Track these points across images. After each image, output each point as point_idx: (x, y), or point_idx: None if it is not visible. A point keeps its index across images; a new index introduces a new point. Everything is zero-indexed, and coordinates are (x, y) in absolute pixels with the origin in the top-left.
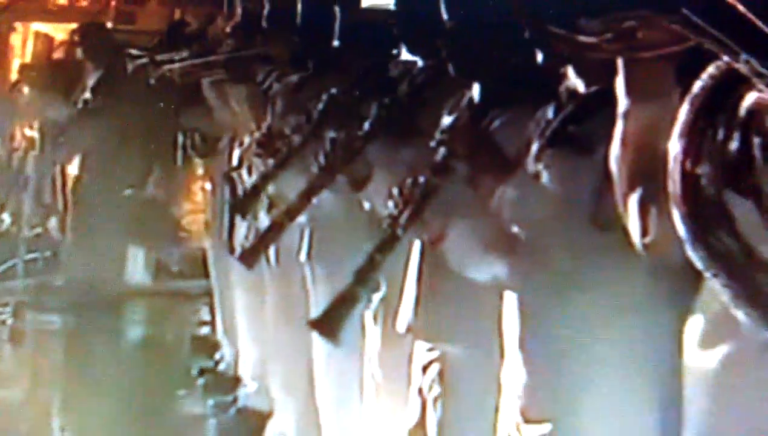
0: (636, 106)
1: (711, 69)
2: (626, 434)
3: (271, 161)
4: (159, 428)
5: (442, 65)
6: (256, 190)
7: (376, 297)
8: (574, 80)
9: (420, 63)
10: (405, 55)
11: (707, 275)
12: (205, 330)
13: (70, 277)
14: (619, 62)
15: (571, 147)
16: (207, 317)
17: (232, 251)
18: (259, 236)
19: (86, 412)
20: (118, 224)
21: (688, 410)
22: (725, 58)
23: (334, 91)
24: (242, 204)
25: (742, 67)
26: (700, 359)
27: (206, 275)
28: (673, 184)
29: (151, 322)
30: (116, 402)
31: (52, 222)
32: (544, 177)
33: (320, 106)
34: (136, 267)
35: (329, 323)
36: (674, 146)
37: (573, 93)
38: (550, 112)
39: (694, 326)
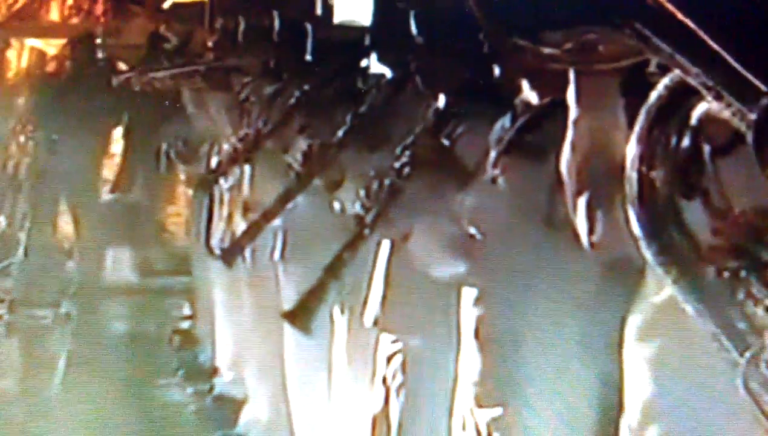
0: (585, 115)
1: (666, 81)
2: (570, 417)
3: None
4: (142, 414)
5: (411, 78)
6: (221, 167)
7: (345, 293)
8: (529, 93)
9: (389, 75)
10: (374, 69)
11: (658, 269)
12: (186, 324)
13: (61, 274)
14: (571, 75)
15: (526, 154)
16: (188, 312)
17: (210, 251)
18: (238, 236)
19: (76, 399)
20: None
21: (629, 395)
22: (677, 71)
23: (306, 100)
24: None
25: (692, 81)
26: (642, 347)
27: (187, 273)
28: (630, 186)
29: (136, 316)
30: (103, 390)
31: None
32: (501, 182)
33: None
34: (123, 265)
35: (301, 315)
36: (631, 151)
37: (527, 105)
38: (506, 122)
39: (636, 317)
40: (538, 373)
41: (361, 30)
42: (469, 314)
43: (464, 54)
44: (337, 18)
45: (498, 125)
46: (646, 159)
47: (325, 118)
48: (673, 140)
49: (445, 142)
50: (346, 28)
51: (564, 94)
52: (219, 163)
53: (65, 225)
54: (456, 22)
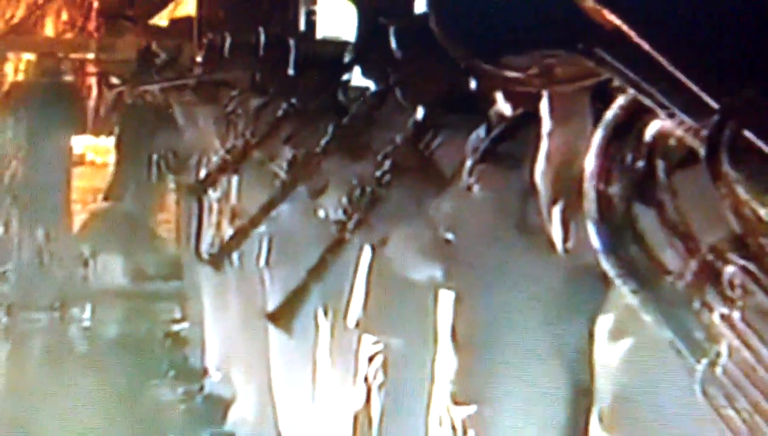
0: (558, 128)
1: (621, 100)
2: (542, 414)
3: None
4: (135, 413)
5: (391, 91)
6: (210, 178)
7: (329, 296)
8: (503, 105)
9: (372, 88)
10: (356, 82)
11: (617, 281)
12: (176, 327)
13: (56, 280)
14: (543, 91)
15: (499, 163)
16: (178, 315)
17: (199, 256)
18: (226, 240)
19: (70, 398)
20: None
21: (598, 394)
22: (632, 91)
23: (289, 112)
24: (198, 187)
25: (647, 100)
26: (609, 349)
27: (178, 278)
28: (588, 201)
29: (129, 319)
30: (97, 390)
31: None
32: (476, 189)
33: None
34: (115, 270)
35: (284, 316)
36: (589, 168)
37: (501, 116)
38: (481, 133)
39: (605, 320)
40: (511, 372)
41: (343, 45)
42: (445, 315)
43: (441, 68)
44: (320, 33)
45: (473, 136)
46: (603, 175)
47: (310, 129)
48: (629, 157)
49: (424, 151)
50: (329, 43)
51: (536, 106)
52: (208, 174)
53: (60, 232)
54: (434, 38)
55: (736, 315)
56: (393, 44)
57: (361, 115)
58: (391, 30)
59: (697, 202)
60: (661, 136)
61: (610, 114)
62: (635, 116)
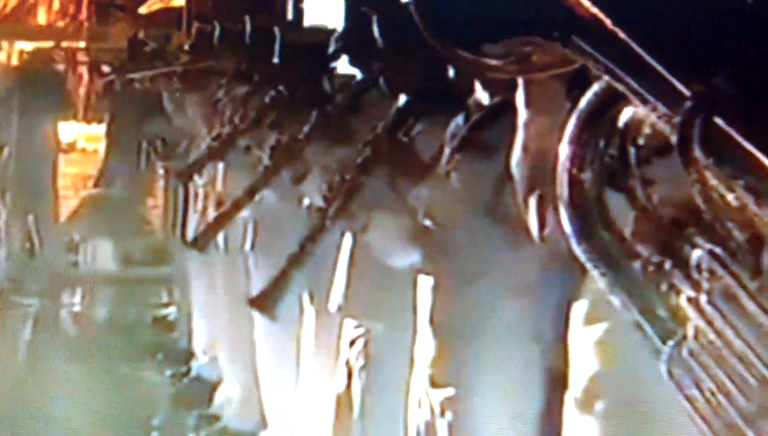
0: (534, 117)
1: (595, 87)
2: (518, 397)
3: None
4: (124, 394)
5: (374, 80)
6: (197, 163)
7: (314, 282)
8: (481, 94)
9: (356, 76)
10: (341, 70)
11: (588, 265)
12: (164, 311)
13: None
14: (519, 80)
15: (477, 151)
16: (166, 300)
17: (184, 240)
18: (211, 222)
19: (61, 380)
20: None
21: (573, 375)
22: (606, 78)
23: (275, 99)
24: (186, 172)
25: (621, 87)
26: (586, 330)
27: (166, 263)
28: (561, 187)
29: (118, 304)
30: (87, 372)
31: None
32: (453, 177)
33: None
34: (105, 256)
35: (266, 302)
36: (562, 154)
37: (480, 104)
38: (460, 121)
39: (581, 302)
40: (488, 356)
41: (328, 34)
42: (424, 300)
43: (422, 57)
44: (307, 22)
45: (453, 124)
46: (576, 161)
47: (295, 116)
48: (602, 144)
49: (404, 139)
50: (314, 32)
51: (513, 94)
52: (195, 160)
53: (51, 218)
54: (415, 28)
55: (702, 298)
56: (376, 33)
57: (344, 104)
58: (374, 19)
59: (666, 188)
60: (634, 123)
61: (584, 101)
62: (609, 103)
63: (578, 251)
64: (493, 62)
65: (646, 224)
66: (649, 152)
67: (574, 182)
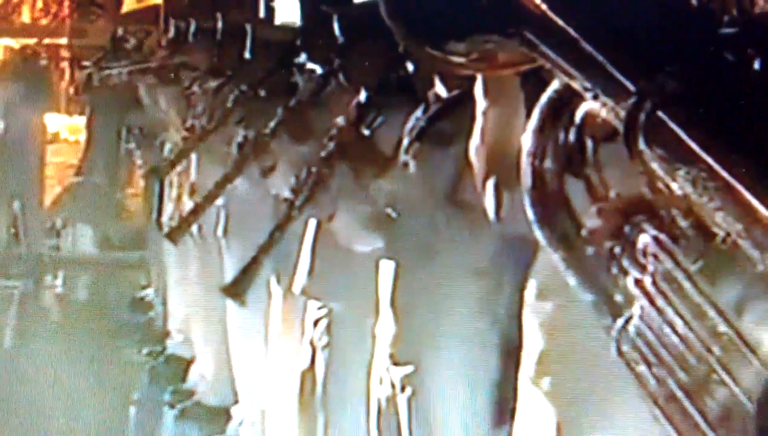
0: (492, 107)
1: (555, 84)
2: (474, 372)
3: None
4: (103, 372)
5: (335, 74)
6: (172, 164)
7: (280, 265)
8: (439, 87)
9: (318, 71)
10: (307, 65)
11: (548, 248)
12: (142, 293)
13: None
14: (477, 73)
15: (434, 141)
16: (144, 282)
17: (160, 228)
18: (184, 216)
19: (42, 360)
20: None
21: (527, 350)
22: (558, 73)
23: (244, 94)
24: (161, 170)
25: (574, 83)
26: (538, 307)
27: (143, 247)
28: (524, 177)
29: (98, 286)
30: (68, 351)
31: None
32: (412, 166)
33: (232, 105)
34: (86, 240)
35: (237, 289)
36: (525, 146)
37: (438, 97)
38: (419, 113)
39: (534, 281)
40: (446, 335)
41: (296, 30)
42: (385, 283)
43: (382, 53)
44: (278, 20)
45: (412, 117)
46: (538, 153)
47: (262, 111)
48: (561, 136)
49: (366, 132)
50: (283, 29)
51: (470, 87)
52: (169, 160)
53: (35, 205)
54: (374, 25)
55: (647, 280)
56: (336, 30)
57: (305, 98)
58: (334, 17)
59: (618, 177)
60: (589, 117)
61: (545, 97)
62: (569, 98)
63: (539, 235)
64: (459, 60)
65: (600, 209)
66: (599, 139)
67: (536, 172)
